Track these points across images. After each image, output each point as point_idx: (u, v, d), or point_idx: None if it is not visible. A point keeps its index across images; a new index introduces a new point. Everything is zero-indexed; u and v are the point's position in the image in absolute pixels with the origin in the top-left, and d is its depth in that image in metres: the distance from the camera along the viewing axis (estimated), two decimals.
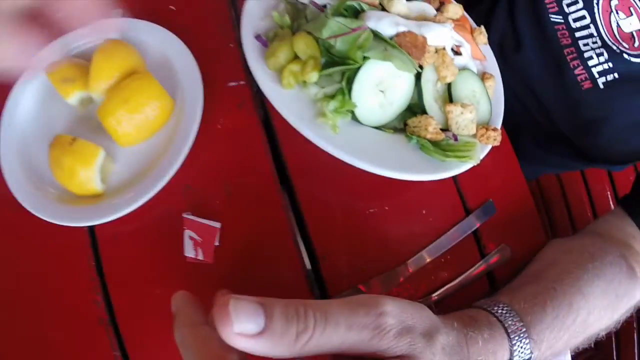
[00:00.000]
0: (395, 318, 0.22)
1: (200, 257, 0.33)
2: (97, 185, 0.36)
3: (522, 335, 0.29)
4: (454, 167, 0.36)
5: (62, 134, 0.37)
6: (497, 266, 0.40)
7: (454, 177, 0.42)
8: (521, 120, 0.57)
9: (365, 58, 0.32)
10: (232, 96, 0.39)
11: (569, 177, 0.70)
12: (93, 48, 0.39)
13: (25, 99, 0.41)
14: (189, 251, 0.33)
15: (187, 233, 0.34)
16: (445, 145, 0.36)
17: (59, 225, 0.34)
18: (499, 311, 0.30)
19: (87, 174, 0.35)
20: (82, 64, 0.40)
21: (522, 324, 0.30)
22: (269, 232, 0.36)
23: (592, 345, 0.38)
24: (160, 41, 0.41)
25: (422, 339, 0.23)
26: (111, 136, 0.37)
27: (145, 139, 0.38)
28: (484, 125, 0.38)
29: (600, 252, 0.38)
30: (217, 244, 0.34)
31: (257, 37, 0.35)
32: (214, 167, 0.37)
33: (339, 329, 0.20)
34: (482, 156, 0.37)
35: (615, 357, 0.64)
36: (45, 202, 0.36)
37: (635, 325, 0.64)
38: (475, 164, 0.36)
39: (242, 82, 0.39)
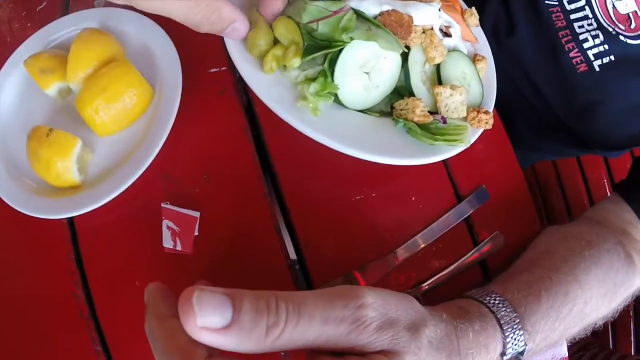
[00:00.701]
0: (377, 310, 0.21)
1: (179, 247, 0.32)
2: (75, 176, 0.35)
3: (515, 326, 0.28)
4: (443, 151, 0.34)
5: (40, 125, 0.36)
6: (490, 254, 0.39)
7: (445, 163, 0.41)
8: (516, 105, 0.56)
9: (351, 39, 0.31)
10: (214, 83, 0.38)
11: (565, 164, 0.68)
12: (72, 38, 0.38)
13: (4, 91, 0.40)
14: (167, 242, 0.32)
15: (166, 223, 0.33)
16: (434, 128, 0.34)
17: (38, 218, 0.33)
18: (492, 301, 0.29)
19: (65, 164, 0.34)
20: (60, 54, 0.39)
21: (515, 314, 0.29)
22: (250, 221, 0.35)
23: (589, 334, 0.37)
24: (139, 29, 0.40)
25: (406, 333, 0.21)
26: (89, 126, 0.36)
27: (124, 128, 0.37)
28: (475, 108, 0.36)
29: (598, 240, 0.37)
30: (196, 234, 0.33)
31: None
32: (194, 156, 0.36)
33: (314, 322, 0.19)
34: (473, 140, 0.36)
35: (611, 346, 0.63)
36: (24, 195, 0.35)
37: (632, 314, 0.63)
38: (466, 147, 0.35)
39: (223, 68, 0.38)
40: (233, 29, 0.30)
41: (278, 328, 0.18)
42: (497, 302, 0.29)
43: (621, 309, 0.39)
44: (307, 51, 0.31)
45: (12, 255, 0.35)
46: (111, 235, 0.35)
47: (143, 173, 0.34)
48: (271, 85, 0.32)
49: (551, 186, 0.69)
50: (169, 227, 0.33)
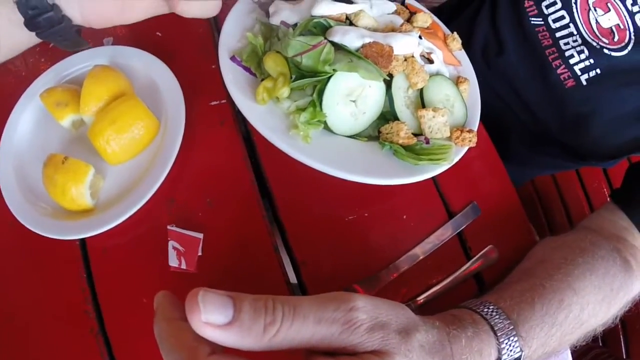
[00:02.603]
0: (367, 313, 0.22)
1: (184, 266, 0.35)
2: (87, 201, 0.38)
3: (509, 332, 0.29)
4: (428, 170, 0.36)
5: (55, 153, 0.39)
6: (484, 268, 0.40)
7: (435, 181, 0.42)
8: (508, 122, 0.57)
9: (334, 71, 0.33)
10: (214, 114, 0.41)
11: (565, 177, 0.69)
12: (84, 74, 0.42)
13: (21, 122, 0.43)
14: (173, 261, 0.35)
15: (171, 244, 0.35)
16: (418, 149, 0.37)
17: (52, 238, 0.36)
18: (485, 310, 0.30)
19: (78, 190, 0.37)
20: (73, 89, 0.43)
21: (509, 321, 0.29)
22: (250, 242, 0.37)
23: (600, 343, 0.37)
24: (146, 65, 0.43)
25: (397, 335, 0.22)
26: (101, 155, 0.39)
27: (133, 157, 0.40)
28: (459, 128, 0.38)
29: (592, 247, 0.37)
30: (200, 254, 0.36)
31: (232, 58, 0.37)
32: (197, 181, 0.39)
33: (307, 322, 0.20)
34: (457, 158, 0.38)
35: (624, 354, 0.62)
36: (40, 217, 0.38)
37: None
38: (450, 165, 0.37)
39: (223, 101, 0.41)
40: None
41: (275, 326, 0.20)
42: (490, 310, 0.30)
43: (621, 314, 0.39)
44: (295, 82, 0.34)
45: (27, 274, 0.38)
46: (120, 255, 0.37)
47: (150, 198, 0.37)
48: (266, 115, 0.35)
49: (552, 199, 0.69)
50: (174, 248, 0.36)
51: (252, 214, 0.38)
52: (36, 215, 0.38)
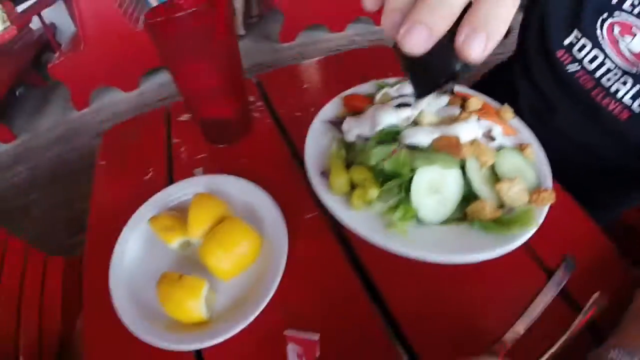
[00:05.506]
0: None
1: None
2: (203, 314, 0.41)
3: None
4: (519, 237, 0.38)
5: (166, 271, 0.42)
6: (596, 317, 0.39)
7: (526, 245, 0.43)
8: (579, 174, 0.56)
9: (412, 170, 0.38)
10: (311, 225, 0.46)
11: None
12: (182, 202, 0.48)
13: (129, 245, 0.49)
14: None
15: (290, 347, 0.38)
16: (505, 219, 0.39)
17: (170, 351, 0.38)
18: (612, 355, 0.30)
19: (195, 304, 0.40)
20: (176, 215, 0.49)
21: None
22: (365, 338, 0.39)
23: None
24: (240, 189, 0.50)
25: None
26: (213, 272, 0.43)
27: (242, 271, 0.44)
28: (536, 190, 0.41)
29: None
30: (318, 354, 0.38)
31: (322, 173, 0.43)
32: (307, 288, 0.42)
33: None
34: (541, 219, 0.39)
35: None
36: (156, 330, 0.41)
37: None
38: (537, 227, 0.38)
39: (315, 213, 0.46)
40: None
41: None
42: (619, 353, 0.30)
43: None
44: (384, 185, 0.39)
45: None
46: None
47: (265, 306, 0.40)
48: (362, 220, 0.39)
49: None
50: (293, 351, 0.38)
51: (363, 313, 0.40)
52: (152, 329, 0.40)
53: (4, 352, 0.71)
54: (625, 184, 0.57)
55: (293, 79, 0.75)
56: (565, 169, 0.45)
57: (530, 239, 0.40)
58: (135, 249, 0.49)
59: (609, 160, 0.55)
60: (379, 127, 0.41)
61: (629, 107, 0.50)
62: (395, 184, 0.38)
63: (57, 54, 2.37)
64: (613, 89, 0.50)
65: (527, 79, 0.58)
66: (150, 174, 0.60)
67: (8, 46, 2.40)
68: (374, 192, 0.39)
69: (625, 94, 0.50)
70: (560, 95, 0.55)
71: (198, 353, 0.40)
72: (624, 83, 0.50)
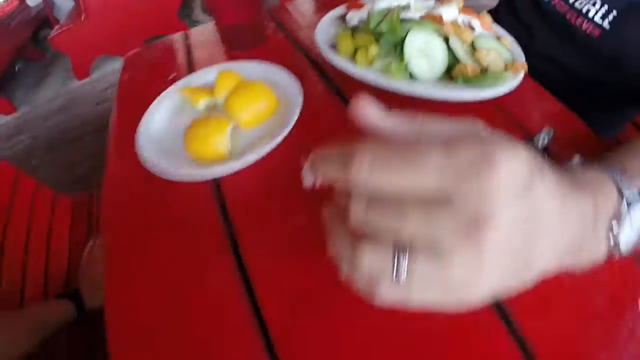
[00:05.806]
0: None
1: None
2: (226, 150, 0.47)
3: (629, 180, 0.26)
4: (496, 86, 0.46)
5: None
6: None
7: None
8: (562, 96, 0.58)
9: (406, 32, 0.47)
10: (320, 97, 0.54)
11: None
12: (208, 82, 0.57)
13: (158, 110, 0.55)
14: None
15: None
16: (484, 76, 0.47)
17: (189, 183, 0.44)
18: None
19: (220, 139, 0.46)
20: (202, 87, 0.56)
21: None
22: None
23: None
24: (261, 68, 0.58)
25: None
26: (235, 120, 0.50)
27: (259, 123, 0.51)
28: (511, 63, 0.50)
29: None
30: None
31: (331, 46, 0.53)
32: (316, 137, 0.48)
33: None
34: (516, 82, 0.47)
35: None
36: (178, 163, 0.47)
37: None
38: (514, 82, 0.46)
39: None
40: None
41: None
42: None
43: None
44: (381, 43, 0.48)
45: (171, 217, 0.44)
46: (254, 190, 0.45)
47: (277, 146, 0.46)
48: (366, 73, 0.48)
49: None
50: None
51: None
52: (176, 163, 0.46)
53: (13, 280, 0.75)
54: (607, 101, 0.63)
55: None
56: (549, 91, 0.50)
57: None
58: (163, 116, 0.55)
59: (587, 77, 0.60)
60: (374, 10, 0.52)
61: (600, 26, 0.54)
62: (391, 39, 0.47)
63: (57, 27, 2.38)
64: (585, 9, 0.55)
65: (509, 9, 0.67)
66: (174, 74, 0.67)
67: (6, 22, 2.45)
68: (374, 49, 0.47)
69: (595, 13, 0.54)
70: (539, 23, 0.63)
71: (217, 187, 0.45)
72: (594, 4, 0.54)
